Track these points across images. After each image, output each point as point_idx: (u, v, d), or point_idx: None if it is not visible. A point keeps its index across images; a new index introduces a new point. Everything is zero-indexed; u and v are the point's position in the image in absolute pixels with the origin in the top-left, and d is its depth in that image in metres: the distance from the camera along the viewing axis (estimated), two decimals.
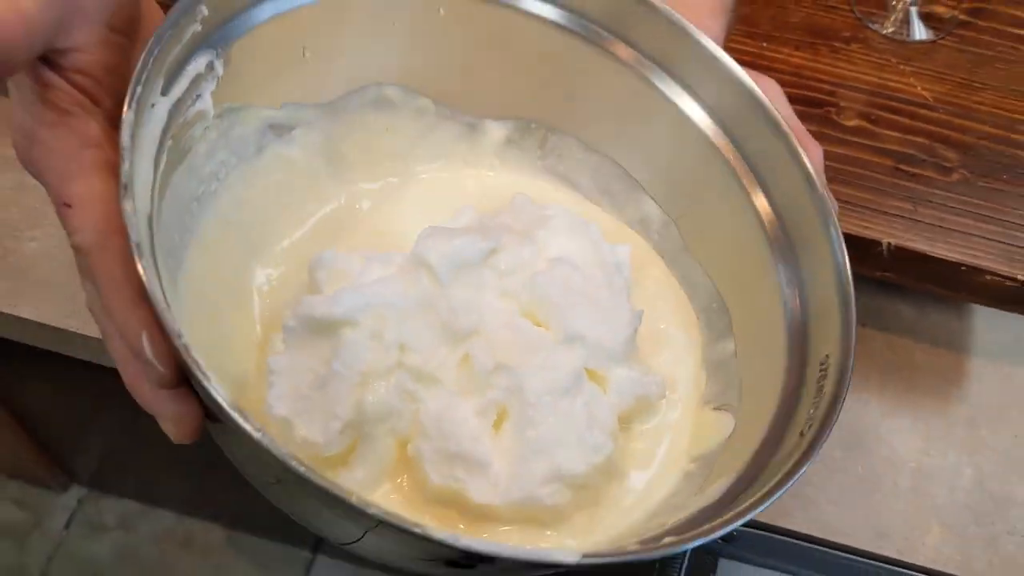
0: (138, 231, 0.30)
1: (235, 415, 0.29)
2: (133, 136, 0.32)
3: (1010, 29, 0.64)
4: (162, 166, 0.35)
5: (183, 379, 0.32)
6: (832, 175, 0.57)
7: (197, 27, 0.36)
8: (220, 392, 0.29)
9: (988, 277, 0.54)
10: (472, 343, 0.38)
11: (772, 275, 0.41)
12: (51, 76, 0.32)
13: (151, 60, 0.33)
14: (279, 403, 0.37)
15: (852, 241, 0.54)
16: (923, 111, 0.60)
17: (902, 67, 0.62)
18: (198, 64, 0.37)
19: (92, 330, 0.57)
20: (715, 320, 0.44)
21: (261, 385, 0.38)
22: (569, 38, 0.44)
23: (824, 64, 0.62)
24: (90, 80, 0.33)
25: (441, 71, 0.46)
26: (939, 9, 0.65)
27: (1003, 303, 0.56)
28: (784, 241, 0.42)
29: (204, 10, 0.36)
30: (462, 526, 0.38)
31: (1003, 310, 0.56)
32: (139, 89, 0.32)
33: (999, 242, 0.55)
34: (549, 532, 0.38)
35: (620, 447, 0.40)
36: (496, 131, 0.48)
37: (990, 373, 0.60)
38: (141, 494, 1.17)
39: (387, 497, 0.38)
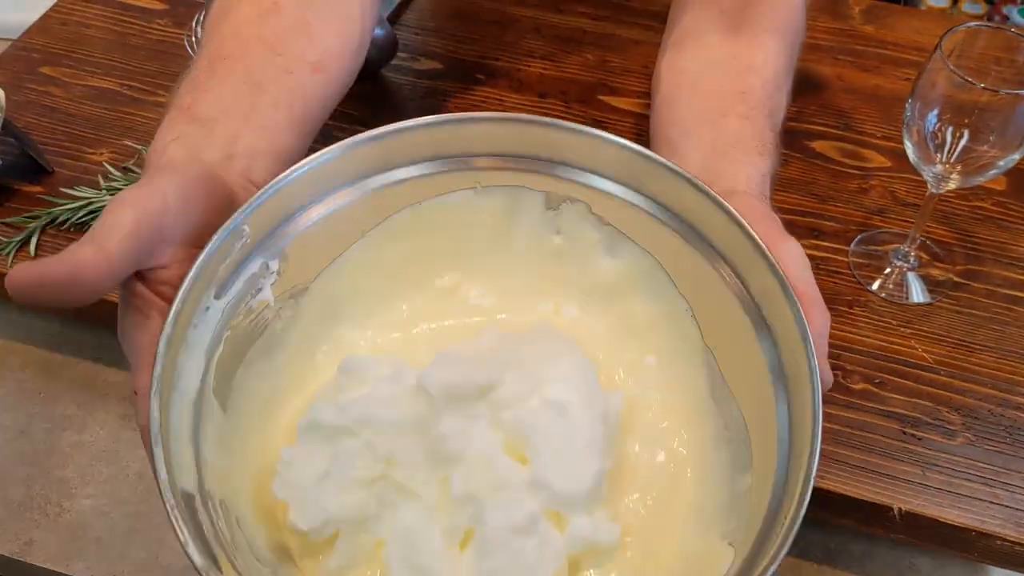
0: (156, 432, 0.38)
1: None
2: (179, 340, 0.40)
3: (1002, 290, 0.69)
4: (217, 355, 0.43)
5: None
6: (843, 439, 0.60)
7: (246, 240, 0.44)
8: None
9: (998, 542, 0.56)
10: (452, 468, 0.43)
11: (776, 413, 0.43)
12: (138, 287, 0.41)
13: (193, 282, 0.41)
14: (281, 489, 0.44)
15: (864, 505, 0.57)
16: (926, 374, 0.64)
17: (903, 329, 0.66)
18: (252, 267, 0.45)
19: None
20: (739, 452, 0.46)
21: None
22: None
23: (830, 328, 0.66)
24: (171, 289, 0.41)
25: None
26: (934, 272, 0.70)
27: (1016, 566, 0.58)
28: (782, 376, 0.44)
29: (247, 229, 0.44)
30: None
31: (1017, 572, 0.58)
32: (180, 306, 0.40)
33: (1006, 506, 0.57)
34: None
35: None
36: None
37: None
38: None
39: None
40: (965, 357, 0.65)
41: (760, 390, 0.44)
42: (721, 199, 0.46)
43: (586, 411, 0.45)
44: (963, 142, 0.62)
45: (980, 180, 0.64)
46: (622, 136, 0.48)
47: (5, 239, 0.68)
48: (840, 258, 0.71)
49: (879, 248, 0.72)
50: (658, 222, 0.49)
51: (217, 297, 0.43)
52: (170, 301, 0.40)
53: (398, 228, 0.51)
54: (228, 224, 0.43)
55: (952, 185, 0.64)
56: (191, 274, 0.41)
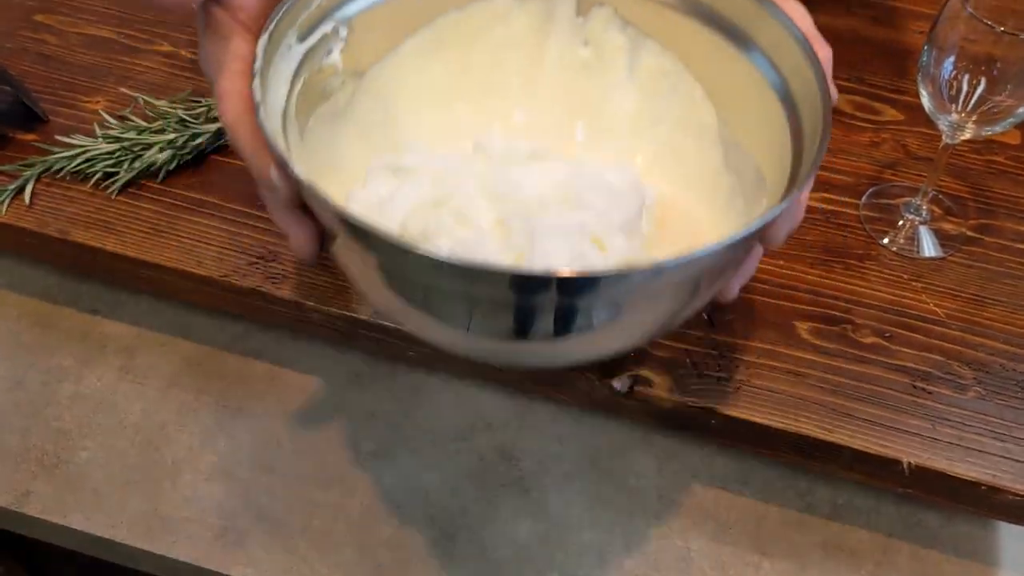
0: (259, 93, 0.44)
1: (315, 188, 0.40)
2: (269, 61, 0.46)
3: (1016, 244, 0.68)
4: (295, 96, 0.49)
5: (303, 206, 0.44)
6: (851, 392, 0.59)
7: (322, 1, 0.51)
8: (301, 174, 0.41)
9: (1009, 497, 0.55)
10: (505, 200, 0.50)
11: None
12: (218, 12, 0.48)
13: (278, 15, 0.47)
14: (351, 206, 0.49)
15: (872, 459, 0.56)
16: (937, 328, 0.63)
17: (914, 284, 0.65)
18: (325, 27, 0.51)
19: (139, 542, 0.59)
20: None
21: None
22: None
23: (839, 281, 0.65)
24: (246, 15, 0.48)
25: None
26: (947, 226, 0.69)
27: None
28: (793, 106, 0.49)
29: None
30: None
31: None
32: (269, 31, 0.46)
33: (1018, 461, 0.56)
34: None
35: None
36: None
37: None
38: None
39: None
40: (977, 311, 0.64)
41: (775, 131, 0.49)
42: None
43: (627, 183, 0.52)
44: (979, 91, 0.60)
45: (996, 130, 0.62)
46: None
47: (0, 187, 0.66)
48: (851, 212, 0.69)
49: (891, 202, 0.70)
50: (677, 12, 0.54)
51: (299, 41, 0.50)
52: (246, 27, 0.47)
53: (446, 34, 0.56)
54: None
55: (967, 135, 0.63)
56: (278, 9, 0.47)
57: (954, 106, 0.61)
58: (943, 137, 0.64)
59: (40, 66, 0.76)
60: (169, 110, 0.69)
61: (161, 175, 0.68)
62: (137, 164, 0.67)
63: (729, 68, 0.52)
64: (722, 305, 0.59)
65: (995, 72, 0.59)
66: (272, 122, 0.45)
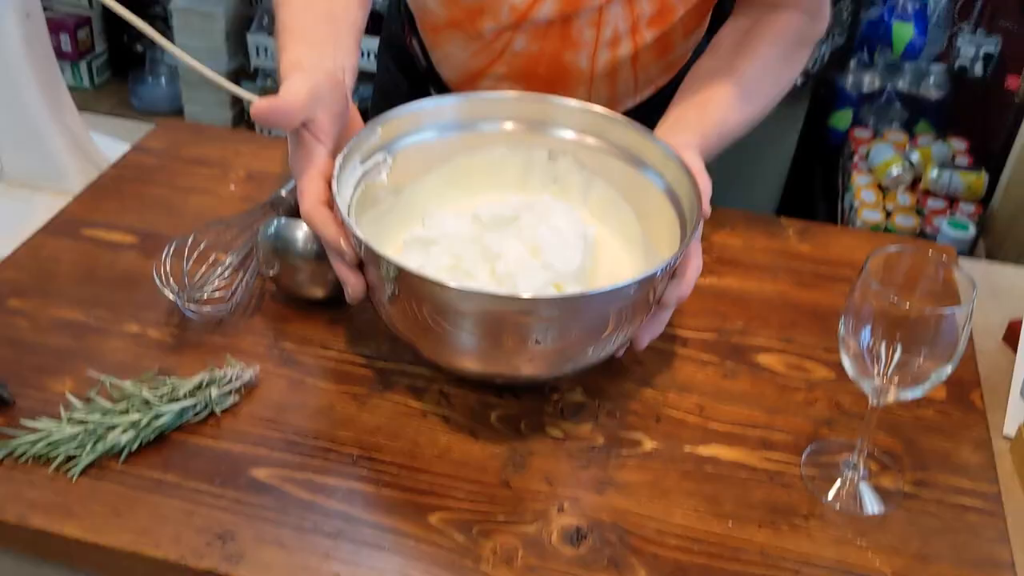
0: (335, 190, 0.71)
1: (370, 244, 0.67)
2: (341, 173, 0.73)
3: (951, 499, 0.71)
4: (355, 198, 0.76)
5: (360, 265, 0.71)
6: None
7: (376, 139, 0.79)
8: (364, 238, 0.68)
9: None
10: (496, 261, 0.76)
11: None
12: (304, 131, 0.73)
13: (351, 146, 0.75)
14: None
15: None
16: None
17: (859, 541, 0.67)
18: (378, 157, 0.80)
19: None
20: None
21: None
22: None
23: (787, 542, 0.67)
24: (324, 135, 0.73)
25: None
26: (885, 482, 0.72)
27: None
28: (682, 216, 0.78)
29: (379, 131, 0.79)
30: None
31: None
32: (343, 158, 0.74)
33: None
34: None
35: None
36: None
37: None
38: None
39: None
40: (923, 568, 0.65)
41: (670, 230, 0.78)
42: (652, 134, 0.82)
43: (574, 233, 0.79)
44: (897, 356, 0.65)
45: (918, 393, 0.67)
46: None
47: None
48: (793, 470, 0.72)
49: (830, 459, 0.73)
50: (611, 155, 0.84)
51: (361, 163, 0.78)
52: (320, 140, 0.73)
53: (459, 169, 0.85)
54: (371, 123, 0.78)
55: (892, 398, 0.67)
56: (351, 143, 0.75)
57: (875, 370, 0.66)
58: (869, 399, 0.68)
59: (10, 349, 0.79)
60: (133, 391, 0.72)
61: (123, 455, 0.69)
62: (100, 446, 0.68)
63: (641, 184, 0.82)
64: (635, 350, 0.76)
65: (910, 340, 0.64)
66: (344, 210, 0.71)
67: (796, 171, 2.37)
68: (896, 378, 0.66)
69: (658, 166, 0.81)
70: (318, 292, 0.82)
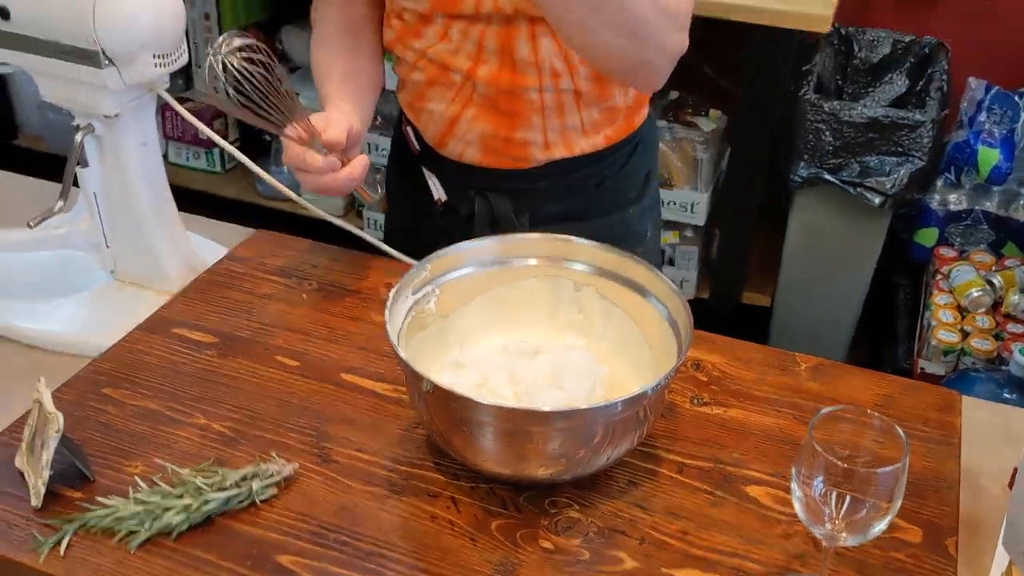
0: (387, 317, 0.88)
1: (411, 365, 0.83)
2: (394, 303, 0.90)
3: None
4: (406, 324, 0.92)
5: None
6: None
7: (426, 273, 0.94)
8: (407, 359, 0.84)
9: None
10: (519, 384, 0.91)
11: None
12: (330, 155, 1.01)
13: (403, 280, 0.92)
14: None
15: None
16: None
17: None
18: (427, 288, 0.95)
19: None
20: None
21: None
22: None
23: None
24: (336, 156, 1.02)
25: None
26: None
27: None
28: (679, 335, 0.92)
29: (428, 267, 0.95)
30: None
31: None
32: (396, 291, 0.90)
33: None
34: None
35: None
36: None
37: None
38: None
39: None
40: None
41: (668, 348, 0.91)
42: (659, 272, 0.95)
43: (588, 367, 0.94)
44: (846, 505, 0.72)
45: (866, 539, 0.73)
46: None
47: (42, 538, 0.81)
48: None
49: None
50: (625, 287, 0.97)
51: (412, 294, 0.93)
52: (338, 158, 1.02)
53: (497, 299, 0.99)
54: (422, 261, 0.94)
55: (842, 543, 0.73)
56: (404, 277, 0.92)
57: (826, 517, 0.73)
58: (823, 541, 0.75)
59: (99, 433, 0.93)
60: (189, 479, 0.85)
61: (174, 534, 0.82)
62: (156, 524, 0.81)
63: (649, 313, 0.95)
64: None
65: (855, 489, 0.71)
66: (393, 337, 0.86)
67: (881, 284, 2.40)
68: (844, 524, 0.73)
69: (662, 298, 0.95)
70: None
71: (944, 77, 2.24)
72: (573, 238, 0.98)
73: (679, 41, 1.03)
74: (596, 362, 0.95)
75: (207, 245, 1.25)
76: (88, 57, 1.00)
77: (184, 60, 1.05)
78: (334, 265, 1.19)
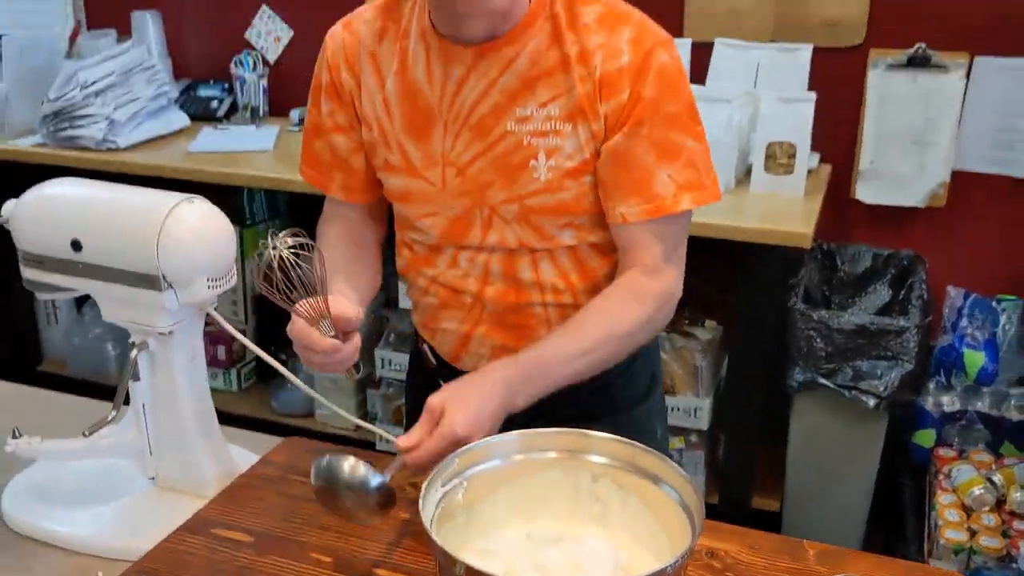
0: (421, 506, 0.94)
1: (444, 548, 0.88)
2: (426, 494, 0.96)
3: None
4: (437, 511, 0.97)
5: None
6: None
7: (455, 465, 1.01)
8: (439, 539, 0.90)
9: None
10: (544, 571, 0.98)
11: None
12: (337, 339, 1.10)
13: (435, 473, 0.99)
14: None
15: None
16: None
17: None
18: (455, 481, 1.01)
19: None
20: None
21: None
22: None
23: None
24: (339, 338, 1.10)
25: None
26: None
27: None
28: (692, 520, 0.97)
29: (457, 461, 1.02)
30: None
31: None
32: (428, 483, 0.97)
33: None
34: None
35: None
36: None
37: None
38: None
39: None
40: None
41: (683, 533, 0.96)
42: (670, 461, 1.02)
43: (608, 555, 1.01)
44: None
45: None
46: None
47: None
48: None
49: None
50: (639, 476, 1.04)
51: (442, 486, 1.00)
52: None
53: (521, 490, 1.06)
54: (452, 455, 1.01)
55: None
56: (435, 471, 0.98)
57: None
58: None
59: None
60: None
61: None
62: None
63: (663, 499, 1.01)
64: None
65: None
66: (427, 522, 0.92)
67: (886, 486, 2.44)
68: None
69: (675, 486, 1.00)
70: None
71: (924, 286, 2.39)
72: (590, 432, 1.06)
73: (668, 315, 1.25)
74: (615, 548, 1.01)
75: (239, 452, 1.33)
76: (149, 281, 1.12)
77: (234, 282, 1.18)
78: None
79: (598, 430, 1.09)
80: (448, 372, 1.33)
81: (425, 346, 1.37)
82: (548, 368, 1.16)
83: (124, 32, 3.16)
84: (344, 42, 1.26)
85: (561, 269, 1.24)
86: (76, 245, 1.14)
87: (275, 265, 0.99)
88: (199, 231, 1.12)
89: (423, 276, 1.30)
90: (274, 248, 0.99)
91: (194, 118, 2.96)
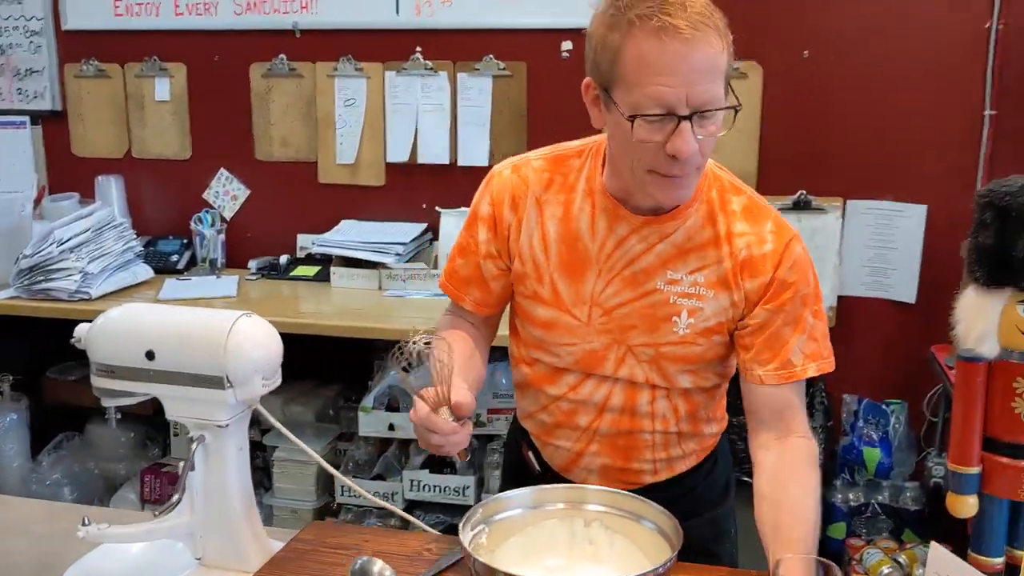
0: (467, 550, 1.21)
1: (485, 562, 1.19)
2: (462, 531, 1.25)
3: None
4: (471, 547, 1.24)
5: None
6: None
7: (480, 515, 1.30)
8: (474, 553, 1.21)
9: None
10: None
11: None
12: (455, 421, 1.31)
13: (466, 517, 1.27)
14: None
15: None
16: None
17: None
18: (480, 527, 1.29)
19: None
20: None
21: None
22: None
23: None
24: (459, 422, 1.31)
25: None
26: None
27: None
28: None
29: (480, 511, 1.31)
30: None
31: None
32: (462, 525, 1.26)
33: None
34: None
35: None
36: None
37: None
38: None
39: None
40: None
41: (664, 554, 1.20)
42: (649, 501, 1.31)
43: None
44: None
45: None
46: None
47: None
48: None
49: None
50: (628, 519, 1.31)
51: (471, 529, 1.25)
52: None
53: (529, 536, 1.31)
54: (476, 505, 1.30)
55: None
56: (465, 516, 1.26)
57: None
58: None
59: None
60: None
61: None
62: None
63: (645, 533, 1.27)
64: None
65: None
66: (466, 543, 1.19)
67: None
68: None
69: (654, 520, 1.29)
70: None
71: (824, 394, 2.75)
72: (586, 486, 1.36)
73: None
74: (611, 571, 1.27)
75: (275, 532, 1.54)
76: (214, 382, 1.36)
77: (279, 381, 1.42)
78: (378, 537, 1.49)
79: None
80: (551, 477, 1.55)
81: (530, 453, 1.58)
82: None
83: (87, 195, 3.41)
84: (512, 183, 1.48)
85: (673, 404, 1.46)
86: (150, 355, 1.38)
87: (413, 355, 1.26)
88: (255, 338, 1.38)
89: (544, 394, 1.51)
90: (413, 343, 1.26)
91: (156, 271, 3.20)
